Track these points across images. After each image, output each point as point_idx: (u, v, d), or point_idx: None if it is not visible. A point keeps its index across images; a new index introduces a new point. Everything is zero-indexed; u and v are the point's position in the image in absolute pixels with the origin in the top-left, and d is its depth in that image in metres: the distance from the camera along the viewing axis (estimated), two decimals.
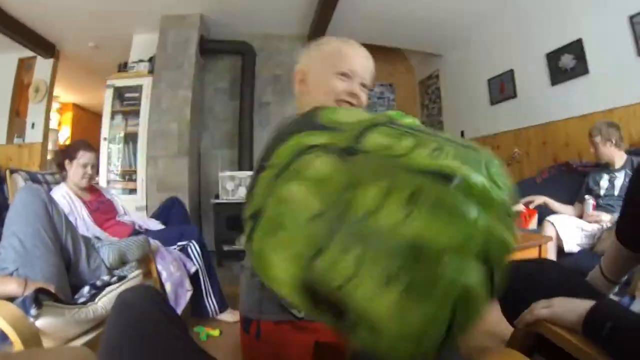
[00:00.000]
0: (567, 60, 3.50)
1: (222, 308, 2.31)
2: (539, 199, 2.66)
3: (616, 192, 2.47)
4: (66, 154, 2.20)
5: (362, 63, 0.94)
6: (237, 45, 4.54)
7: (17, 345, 0.95)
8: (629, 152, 2.60)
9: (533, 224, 2.69)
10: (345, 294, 0.38)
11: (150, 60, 4.36)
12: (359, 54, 0.94)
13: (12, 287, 1.19)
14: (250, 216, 0.47)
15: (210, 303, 2.26)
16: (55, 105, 6.98)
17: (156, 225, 2.46)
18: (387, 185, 0.39)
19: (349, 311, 0.39)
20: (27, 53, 4.98)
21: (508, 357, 0.70)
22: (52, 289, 1.18)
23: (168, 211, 2.71)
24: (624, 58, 3.00)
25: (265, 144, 0.54)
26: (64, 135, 7.75)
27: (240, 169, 4.30)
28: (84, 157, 2.17)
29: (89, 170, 2.18)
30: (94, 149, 2.26)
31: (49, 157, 5.17)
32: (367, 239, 0.37)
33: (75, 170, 2.16)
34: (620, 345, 0.67)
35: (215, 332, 2.12)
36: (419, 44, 5.42)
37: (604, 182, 2.57)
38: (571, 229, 2.28)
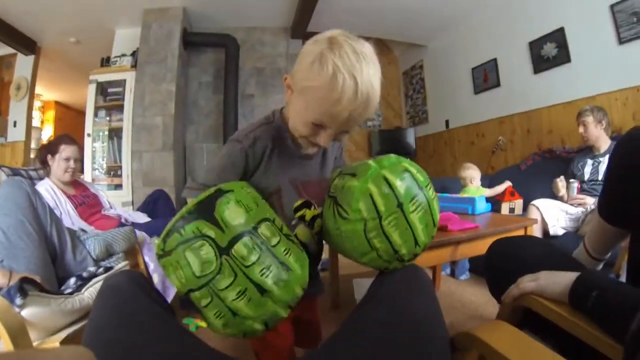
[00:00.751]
0: (549, 49, 3.54)
1: None
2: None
3: (600, 177, 2.50)
4: (48, 149, 2.17)
5: (353, 117, 0.78)
6: (220, 37, 4.51)
7: (3, 335, 0.94)
8: (612, 139, 2.63)
9: (518, 209, 2.73)
10: (204, 313, 0.72)
11: (133, 54, 4.31)
12: (351, 106, 0.76)
13: None
14: (161, 250, 0.74)
15: None
16: (37, 104, 6.87)
17: (142, 218, 2.43)
18: (235, 281, 0.67)
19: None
20: (7, 50, 4.89)
21: (497, 327, 0.71)
22: (37, 279, 1.17)
23: (154, 204, 2.69)
24: (605, 46, 3.05)
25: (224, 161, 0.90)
26: (47, 134, 7.64)
27: None
28: (65, 150, 2.14)
29: (71, 164, 2.15)
30: (77, 142, 2.22)
31: (32, 155, 5.09)
32: (215, 297, 0.68)
33: (57, 164, 2.13)
34: (606, 313, 0.68)
35: (204, 324, 2.10)
36: (403, 34, 5.43)
37: (588, 167, 2.60)
38: (556, 212, 2.31)
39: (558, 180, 2.57)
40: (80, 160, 2.25)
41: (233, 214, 0.71)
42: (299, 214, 0.98)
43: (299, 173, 1.00)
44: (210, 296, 0.68)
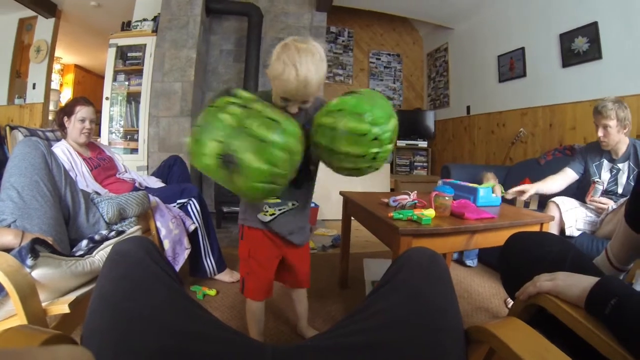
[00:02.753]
0: (580, 43, 3.42)
1: (220, 268, 2.32)
2: (531, 190, 2.35)
3: (620, 190, 2.30)
4: (64, 111, 2.17)
5: (298, 93, 1.13)
6: (243, 6, 4.43)
7: (13, 295, 0.95)
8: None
9: (534, 204, 2.69)
10: (236, 154, 0.92)
11: (154, 19, 4.26)
12: (294, 84, 1.10)
13: (8, 238, 1.18)
14: (197, 125, 0.98)
15: (209, 262, 2.27)
16: (56, 67, 6.90)
17: (156, 183, 2.44)
18: (256, 119, 0.95)
19: (238, 163, 0.93)
20: (28, 13, 4.90)
21: (509, 324, 0.70)
22: (49, 240, 1.17)
23: (169, 169, 2.69)
24: (638, 45, 2.94)
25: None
26: (66, 97, 7.69)
27: None
28: (81, 111, 2.14)
29: (87, 125, 2.15)
30: (92, 104, 2.22)
31: (50, 117, 5.14)
32: (249, 136, 0.93)
33: (73, 125, 2.14)
34: (622, 323, 0.66)
35: (212, 292, 2.13)
36: (430, 15, 5.32)
37: (605, 173, 2.39)
38: (575, 213, 2.24)
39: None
40: (95, 121, 2.25)
41: (244, 93, 1.03)
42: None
43: None
44: (244, 137, 0.92)
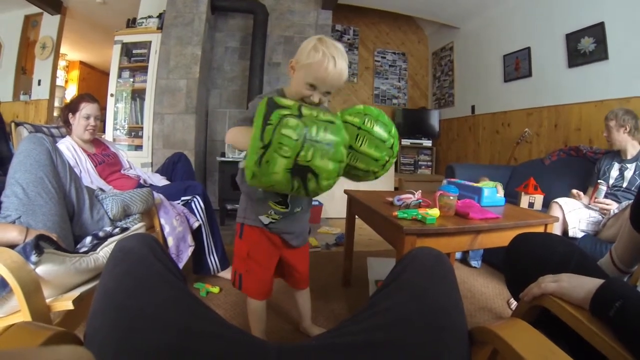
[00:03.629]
0: (586, 44, 3.40)
1: (224, 266, 2.32)
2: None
3: (624, 184, 2.41)
4: (69, 107, 2.18)
5: (332, 82, 1.23)
6: (249, 3, 4.43)
7: (17, 292, 0.95)
8: None
9: (538, 204, 2.68)
10: (310, 163, 0.94)
11: (160, 16, 4.27)
12: (331, 73, 1.21)
13: (13, 234, 1.18)
14: (262, 147, 0.93)
15: (212, 260, 2.27)
16: (62, 63, 6.93)
17: (160, 181, 2.44)
18: (315, 126, 0.96)
19: (310, 171, 0.96)
20: (33, 9, 4.92)
21: (514, 325, 0.69)
22: (53, 237, 1.18)
23: (173, 166, 2.69)
24: None
25: (255, 111, 1.00)
26: (71, 93, 7.71)
27: None
28: (86, 108, 2.15)
29: (92, 121, 2.16)
30: (97, 101, 2.23)
31: (55, 113, 5.16)
32: (316, 144, 0.95)
33: (78, 122, 2.14)
34: (626, 325, 0.66)
35: (215, 290, 2.14)
36: (435, 14, 5.30)
37: (615, 171, 2.51)
38: (578, 214, 2.25)
39: (574, 191, 2.49)
40: (100, 118, 2.26)
41: (285, 101, 1.01)
42: None
43: None
44: (311, 145, 0.94)
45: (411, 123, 6.00)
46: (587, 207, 2.34)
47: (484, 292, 2.29)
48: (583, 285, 0.76)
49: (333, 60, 1.20)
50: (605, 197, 2.38)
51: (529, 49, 4.16)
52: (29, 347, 0.53)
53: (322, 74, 1.20)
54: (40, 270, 1.03)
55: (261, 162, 0.94)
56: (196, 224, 2.17)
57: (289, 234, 1.45)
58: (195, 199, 2.26)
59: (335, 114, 1.08)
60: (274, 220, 1.39)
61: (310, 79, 1.23)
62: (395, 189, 5.17)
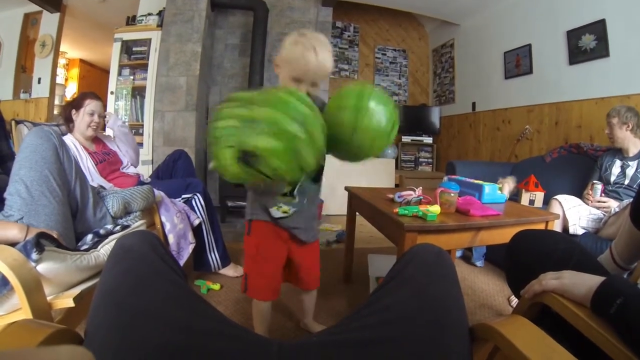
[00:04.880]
0: (587, 41, 3.38)
1: (225, 263, 2.32)
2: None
3: (626, 182, 2.41)
4: (73, 104, 2.19)
5: (315, 73, 1.21)
6: (249, 0, 4.42)
7: (18, 289, 0.95)
8: None
9: (538, 201, 2.68)
10: (253, 146, 0.87)
11: (160, 13, 4.26)
12: (313, 65, 1.19)
13: (13, 232, 1.17)
14: (211, 144, 0.95)
15: (213, 257, 2.28)
16: (61, 61, 6.92)
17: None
18: (256, 107, 0.90)
19: (255, 155, 0.88)
20: (33, 7, 4.91)
21: (515, 322, 0.69)
22: (54, 234, 1.18)
23: (174, 163, 2.69)
24: None
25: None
26: (71, 91, 7.71)
27: None
28: (90, 104, 2.15)
29: (95, 118, 2.17)
30: (101, 99, 2.24)
31: (55, 111, 5.16)
32: (253, 125, 0.88)
33: (82, 118, 2.15)
34: (628, 323, 0.66)
35: (216, 286, 2.14)
36: (436, 10, 5.28)
37: (616, 168, 2.50)
38: (578, 211, 2.25)
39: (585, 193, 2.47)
40: (103, 116, 2.26)
41: (241, 94, 0.97)
42: None
43: None
44: (247, 128, 0.89)
45: (412, 120, 5.98)
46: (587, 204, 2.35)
47: (484, 289, 2.29)
48: (584, 282, 0.76)
49: (313, 51, 1.18)
50: (606, 194, 2.40)
51: (529, 45, 4.15)
52: (29, 348, 0.53)
53: (304, 67, 1.19)
54: (41, 268, 1.03)
55: (215, 158, 0.95)
56: (197, 221, 2.17)
57: (297, 229, 1.40)
58: (195, 197, 2.26)
59: (294, 91, 1.00)
60: (284, 215, 1.35)
61: (293, 73, 1.22)
62: (396, 185, 5.16)
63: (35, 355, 0.33)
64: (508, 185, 2.43)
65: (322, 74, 1.23)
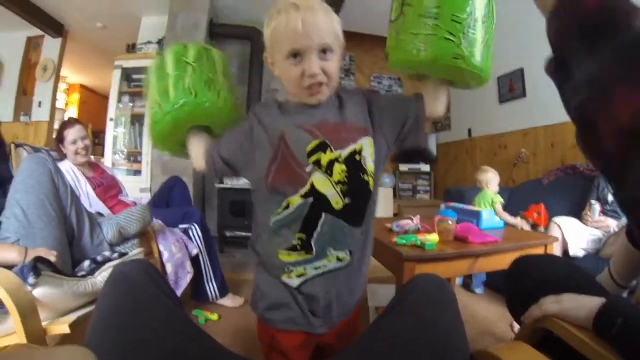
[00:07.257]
0: None
1: (223, 293, 2.30)
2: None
3: None
4: (57, 139, 2.21)
5: (309, 33, 0.82)
6: (246, 30, 4.47)
7: (13, 313, 0.94)
8: None
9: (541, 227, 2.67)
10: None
11: (159, 42, 4.33)
12: (299, 23, 0.81)
13: (12, 255, 1.18)
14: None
15: (211, 287, 2.25)
16: (62, 86, 6.99)
17: None
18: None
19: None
20: (36, 32, 4.99)
21: (516, 348, 0.69)
22: (53, 257, 1.17)
23: (169, 191, 2.69)
24: None
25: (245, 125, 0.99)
26: (71, 116, 7.74)
27: None
28: (69, 133, 2.15)
29: (79, 144, 2.16)
30: (79, 122, 2.25)
31: (54, 135, 5.18)
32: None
33: (68, 149, 2.16)
34: (630, 343, 0.65)
35: (214, 317, 2.11)
36: None
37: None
38: (577, 233, 2.24)
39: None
40: (89, 137, 2.27)
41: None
42: (312, 158, 0.85)
43: (308, 119, 0.90)
44: None
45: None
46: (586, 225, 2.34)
47: (485, 316, 2.27)
48: (585, 304, 0.76)
49: (293, 7, 0.82)
50: (605, 214, 2.39)
51: (522, 69, 4.21)
52: (30, 349, 0.53)
53: (291, 31, 0.82)
54: (37, 292, 1.02)
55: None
56: (195, 251, 2.16)
57: (327, 303, 0.91)
58: (192, 227, 2.25)
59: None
60: (301, 277, 0.88)
61: (285, 48, 0.84)
62: (395, 215, 5.15)
63: (37, 356, 0.33)
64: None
65: (322, 30, 0.84)
